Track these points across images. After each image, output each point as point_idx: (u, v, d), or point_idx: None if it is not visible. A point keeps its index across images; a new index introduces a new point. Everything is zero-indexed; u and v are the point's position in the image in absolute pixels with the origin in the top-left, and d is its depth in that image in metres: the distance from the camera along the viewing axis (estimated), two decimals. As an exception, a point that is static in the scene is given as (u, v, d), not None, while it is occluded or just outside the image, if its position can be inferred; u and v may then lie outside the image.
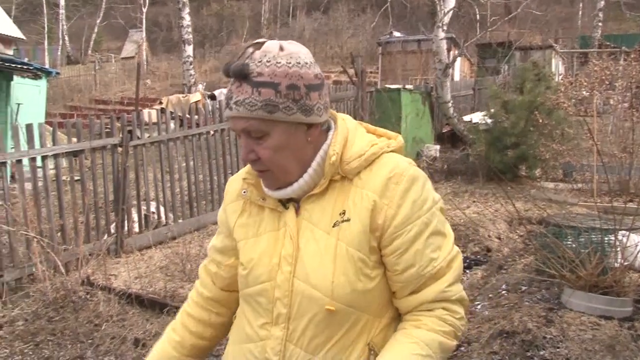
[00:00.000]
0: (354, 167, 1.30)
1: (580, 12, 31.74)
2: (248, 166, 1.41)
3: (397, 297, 1.34)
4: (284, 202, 1.35)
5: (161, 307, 4.33)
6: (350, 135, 1.33)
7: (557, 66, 18.69)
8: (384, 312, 1.34)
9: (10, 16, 22.80)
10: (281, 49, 1.25)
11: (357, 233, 1.27)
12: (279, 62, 1.23)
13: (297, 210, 1.34)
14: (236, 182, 1.46)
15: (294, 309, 1.29)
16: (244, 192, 1.40)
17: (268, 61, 1.22)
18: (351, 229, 1.28)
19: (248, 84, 1.22)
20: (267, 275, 1.32)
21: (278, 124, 1.24)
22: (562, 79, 8.97)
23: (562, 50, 20.90)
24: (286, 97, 1.22)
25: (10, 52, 16.58)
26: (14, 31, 19.29)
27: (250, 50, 1.25)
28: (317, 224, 1.30)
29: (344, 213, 1.29)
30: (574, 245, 4.24)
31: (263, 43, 1.26)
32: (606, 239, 4.19)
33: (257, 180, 1.37)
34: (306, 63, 1.26)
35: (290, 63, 1.23)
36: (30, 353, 3.80)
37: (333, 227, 1.29)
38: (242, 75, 1.22)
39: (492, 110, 9.31)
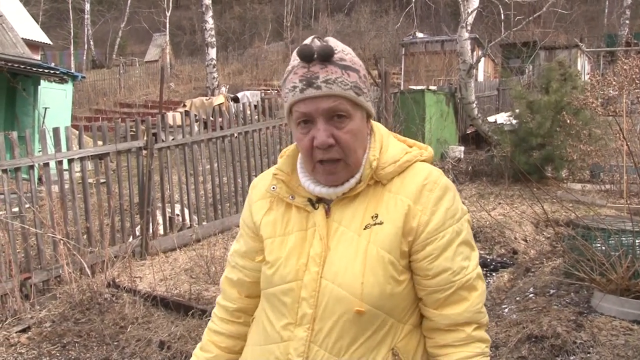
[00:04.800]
0: (389, 172, 1.32)
1: (606, 10, 31.22)
2: (276, 164, 1.42)
3: (429, 306, 1.34)
4: (313, 202, 1.34)
5: (186, 309, 4.34)
6: (385, 141, 1.35)
7: (583, 65, 18.39)
8: (408, 318, 1.34)
9: (37, 22, 23.20)
10: (342, 44, 1.30)
11: (390, 236, 1.28)
12: (351, 52, 1.29)
13: (327, 212, 1.33)
14: (264, 180, 1.45)
15: (320, 309, 1.28)
16: (273, 187, 1.38)
17: (343, 50, 1.27)
18: (384, 231, 1.28)
19: (335, 66, 1.24)
20: (294, 274, 1.31)
21: (359, 109, 1.28)
22: (589, 78, 8.81)
23: (588, 50, 20.56)
24: (364, 84, 1.28)
25: (38, 57, 16.86)
26: (41, 37, 19.62)
27: (317, 41, 1.27)
28: (348, 226, 1.30)
29: (376, 216, 1.29)
30: (603, 248, 4.15)
31: (323, 37, 1.29)
32: (637, 241, 4.09)
33: (288, 177, 1.37)
34: None
35: (355, 56, 1.29)
36: (58, 354, 3.85)
37: (364, 229, 1.29)
38: (328, 57, 1.23)
39: (517, 110, 9.20)
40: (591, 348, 3.55)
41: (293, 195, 1.36)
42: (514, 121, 9.30)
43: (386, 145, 1.35)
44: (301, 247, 1.32)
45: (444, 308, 1.32)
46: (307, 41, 1.28)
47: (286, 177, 1.37)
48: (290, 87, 1.25)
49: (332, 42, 1.28)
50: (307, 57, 1.23)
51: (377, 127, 1.38)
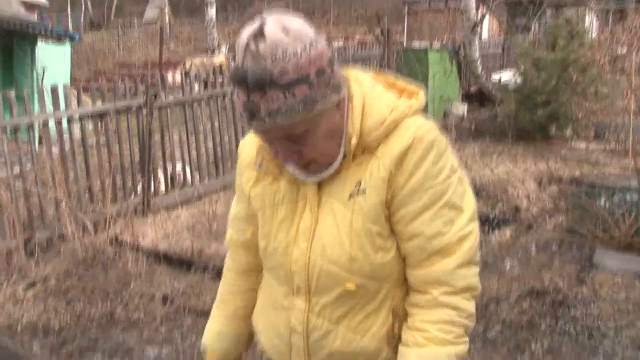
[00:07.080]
0: (374, 139, 1.20)
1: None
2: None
3: (407, 265, 1.28)
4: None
5: (188, 265, 4.41)
6: (367, 101, 1.21)
7: (592, 23, 18.08)
8: (404, 280, 1.30)
9: (34, -19, 22.76)
10: (286, 32, 1.08)
11: (374, 205, 1.21)
12: (296, 51, 1.07)
13: (319, 183, 1.27)
14: (250, 147, 1.38)
15: (313, 283, 1.27)
16: (260, 165, 1.32)
17: (284, 54, 1.06)
18: (367, 201, 1.21)
19: (275, 89, 1.06)
20: (283, 248, 1.29)
21: (319, 116, 1.13)
22: (597, 35, 8.65)
23: (596, 7, 20.16)
24: (319, 85, 1.10)
25: (34, 17, 16.60)
26: (37, -4, 19.29)
27: (253, 46, 1.06)
28: (335, 196, 1.24)
29: (359, 184, 1.22)
30: (607, 205, 4.15)
31: (261, 32, 1.07)
32: (642, 198, 4.09)
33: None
34: (313, 38, 1.11)
35: (305, 47, 1.08)
36: (63, 310, 3.88)
37: (349, 199, 1.22)
38: (263, 84, 1.06)
39: (522, 67, 9.07)
40: (592, 303, 3.57)
41: (281, 171, 1.29)
42: (519, 79, 9.18)
43: (369, 105, 1.21)
44: (291, 220, 1.29)
45: (415, 269, 1.25)
46: (246, 47, 1.08)
47: (270, 155, 1.28)
48: (238, 109, 1.14)
49: (270, 39, 1.06)
50: (241, 84, 1.08)
51: (358, 83, 1.24)
